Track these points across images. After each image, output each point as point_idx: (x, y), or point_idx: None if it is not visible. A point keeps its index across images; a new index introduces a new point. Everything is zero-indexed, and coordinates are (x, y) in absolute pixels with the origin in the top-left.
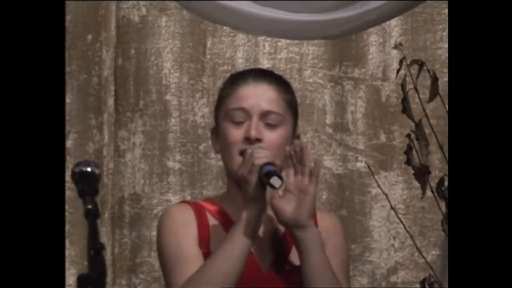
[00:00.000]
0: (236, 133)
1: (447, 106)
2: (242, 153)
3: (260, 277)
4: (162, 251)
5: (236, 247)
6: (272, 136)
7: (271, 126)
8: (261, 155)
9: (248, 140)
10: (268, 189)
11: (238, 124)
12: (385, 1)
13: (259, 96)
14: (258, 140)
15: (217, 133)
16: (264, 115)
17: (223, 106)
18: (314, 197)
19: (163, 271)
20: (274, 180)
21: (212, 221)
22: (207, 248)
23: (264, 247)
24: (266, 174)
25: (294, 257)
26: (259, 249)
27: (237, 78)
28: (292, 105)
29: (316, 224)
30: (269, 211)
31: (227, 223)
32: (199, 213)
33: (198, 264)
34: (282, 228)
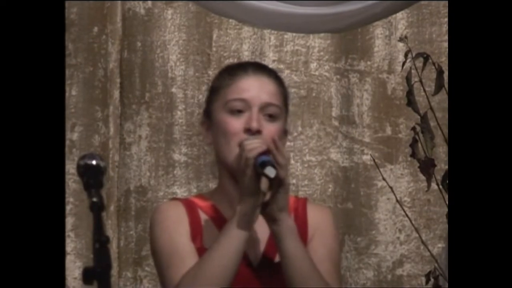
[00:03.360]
0: (235, 124)
1: None
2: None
3: (250, 272)
4: (155, 248)
5: (232, 241)
6: (271, 128)
7: (270, 118)
8: (254, 146)
9: (248, 131)
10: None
11: (237, 115)
12: None
13: (259, 88)
14: (259, 132)
15: (209, 123)
16: (264, 107)
17: (220, 97)
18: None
19: (157, 268)
20: (269, 170)
21: (204, 216)
22: (200, 243)
23: (254, 242)
24: (260, 164)
25: None
26: (248, 244)
27: (236, 70)
28: (286, 100)
29: (305, 217)
30: None
31: (218, 218)
32: (190, 209)
33: (192, 259)
34: None
